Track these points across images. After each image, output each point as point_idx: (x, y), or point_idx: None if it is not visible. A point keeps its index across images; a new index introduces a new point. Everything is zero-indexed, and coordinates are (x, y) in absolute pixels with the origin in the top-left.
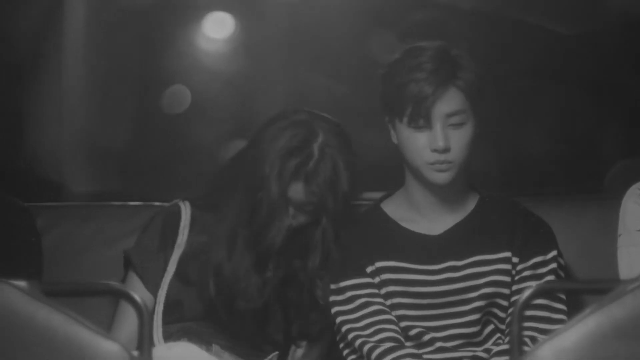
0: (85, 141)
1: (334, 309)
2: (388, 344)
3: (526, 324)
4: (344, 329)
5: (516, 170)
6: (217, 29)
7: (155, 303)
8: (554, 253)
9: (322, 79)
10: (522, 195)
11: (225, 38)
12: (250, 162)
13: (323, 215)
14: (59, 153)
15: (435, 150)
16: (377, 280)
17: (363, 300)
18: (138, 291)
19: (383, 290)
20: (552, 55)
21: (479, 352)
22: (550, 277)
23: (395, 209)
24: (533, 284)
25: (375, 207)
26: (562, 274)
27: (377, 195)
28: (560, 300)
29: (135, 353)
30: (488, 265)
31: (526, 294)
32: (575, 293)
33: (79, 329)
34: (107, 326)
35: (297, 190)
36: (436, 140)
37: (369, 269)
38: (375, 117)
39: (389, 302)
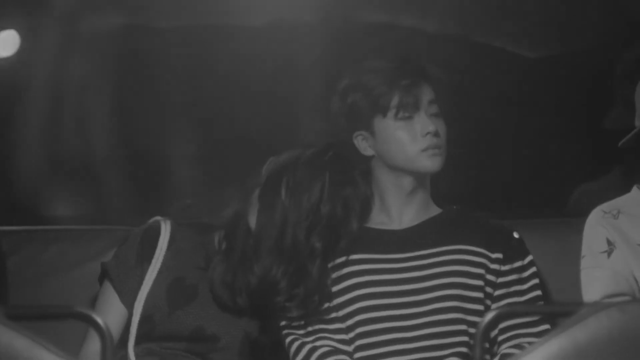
0: (49, 166)
1: None
2: (321, 351)
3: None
4: (284, 332)
5: (480, 192)
6: None
7: (129, 317)
8: (530, 257)
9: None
10: (488, 215)
11: None
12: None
13: None
14: (23, 177)
15: (427, 134)
16: (337, 275)
17: None
18: (114, 305)
19: (346, 284)
20: (517, 79)
21: (448, 356)
22: (535, 281)
23: None
24: (520, 287)
25: None
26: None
27: None
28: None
29: None
30: (456, 254)
31: (487, 317)
32: (537, 316)
33: (42, 353)
34: (71, 350)
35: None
36: (427, 125)
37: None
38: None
39: (354, 294)
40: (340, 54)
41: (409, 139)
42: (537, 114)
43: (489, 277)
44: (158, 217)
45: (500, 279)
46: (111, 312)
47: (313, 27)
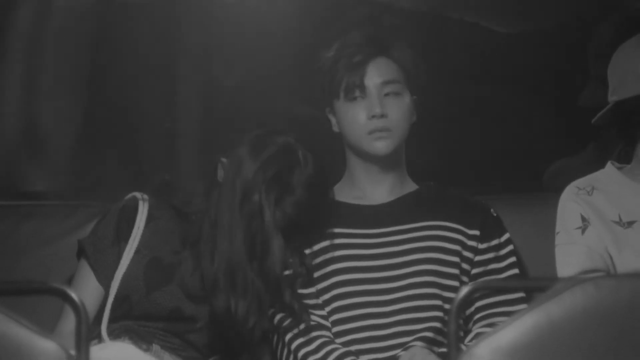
0: (25, 140)
1: None
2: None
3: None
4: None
5: (455, 168)
6: None
7: (105, 296)
8: (507, 235)
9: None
10: (465, 191)
11: None
12: (241, 189)
13: None
14: None
15: (373, 117)
16: (313, 249)
17: None
18: (90, 283)
19: (322, 258)
20: (491, 54)
21: (423, 331)
22: (512, 259)
23: (338, 192)
24: (497, 266)
25: None
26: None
27: None
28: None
29: (73, 352)
30: (432, 230)
31: (462, 293)
32: (512, 291)
33: (15, 328)
34: (45, 325)
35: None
36: (372, 107)
37: None
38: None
39: (330, 268)
40: (313, 28)
41: (356, 121)
42: (512, 90)
43: (466, 253)
44: (136, 194)
45: (478, 257)
46: (87, 290)
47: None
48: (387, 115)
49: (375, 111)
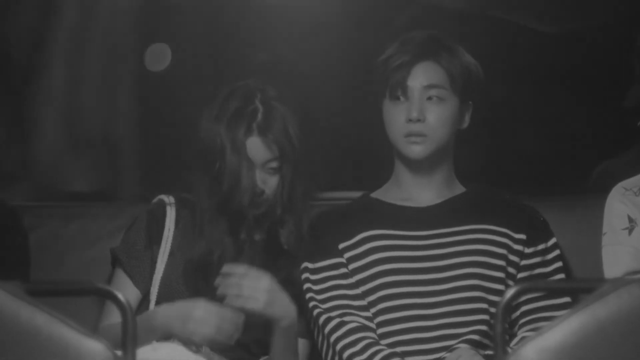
0: (71, 141)
1: (306, 286)
2: (350, 326)
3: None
4: (310, 304)
5: (501, 169)
6: None
7: (146, 301)
8: (554, 240)
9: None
10: (512, 192)
11: None
12: (203, 141)
13: (284, 164)
14: (45, 153)
15: (410, 121)
16: (358, 251)
17: (335, 282)
18: (127, 289)
19: (367, 260)
20: (538, 55)
21: (468, 334)
22: (559, 264)
23: (384, 193)
24: (543, 270)
25: (363, 195)
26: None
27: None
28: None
29: (119, 353)
30: (479, 233)
31: (509, 293)
32: (559, 293)
33: (62, 328)
34: (92, 325)
35: (255, 146)
36: (411, 110)
37: (343, 245)
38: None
39: (376, 270)
40: (359, 29)
41: (395, 122)
42: (557, 91)
43: (512, 257)
44: (162, 196)
45: (524, 262)
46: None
47: (330, 2)
48: (424, 119)
49: (412, 115)
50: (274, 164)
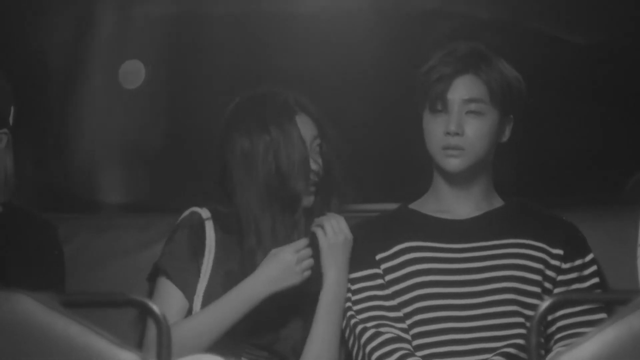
0: (103, 153)
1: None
2: (385, 337)
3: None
4: (347, 314)
5: (536, 179)
6: None
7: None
8: (591, 256)
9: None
10: (550, 204)
11: None
12: (240, 148)
13: (324, 142)
14: (79, 165)
15: (448, 134)
16: (395, 263)
17: (371, 293)
18: (178, 301)
19: (404, 271)
20: (571, 66)
21: (504, 348)
22: (595, 280)
23: (422, 205)
24: (579, 286)
25: (401, 206)
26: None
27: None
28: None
29: None
30: (516, 248)
31: (545, 304)
32: (595, 309)
33: (96, 340)
34: (125, 336)
35: (303, 123)
36: (449, 123)
37: (380, 256)
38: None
39: (413, 282)
40: (393, 41)
41: (433, 134)
42: (591, 101)
43: (549, 272)
44: (195, 209)
45: (560, 277)
46: (174, 308)
47: (365, 14)
48: (462, 133)
49: (450, 128)
50: (319, 141)
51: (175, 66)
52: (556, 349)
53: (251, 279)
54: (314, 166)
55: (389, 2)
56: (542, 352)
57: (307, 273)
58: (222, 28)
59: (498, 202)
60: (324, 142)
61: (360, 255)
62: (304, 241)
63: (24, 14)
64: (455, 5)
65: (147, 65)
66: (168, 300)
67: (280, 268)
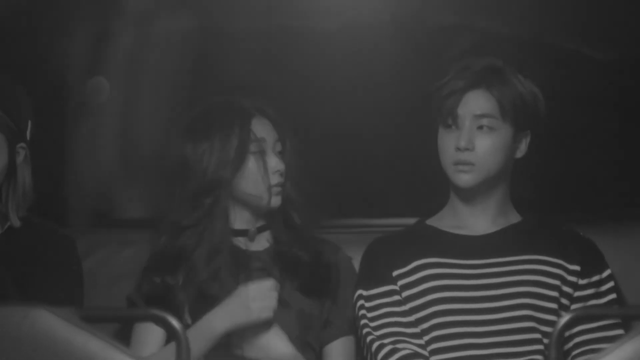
0: (124, 168)
1: (360, 312)
2: (402, 353)
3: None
4: (364, 331)
5: (561, 194)
6: None
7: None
8: (608, 271)
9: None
10: (568, 219)
11: None
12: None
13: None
14: (99, 180)
15: (458, 149)
16: (412, 279)
17: (388, 309)
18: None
19: (421, 288)
20: (593, 81)
21: None
22: (613, 296)
23: (439, 220)
24: (598, 302)
25: (418, 222)
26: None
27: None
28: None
29: None
30: (533, 264)
31: (563, 319)
32: (613, 325)
33: (116, 355)
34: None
35: (262, 125)
36: (460, 139)
37: (397, 272)
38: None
39: (430, 298)
40: (413, 57)
41: (445, 149)
42: (612, 116)
43: (566, 288)
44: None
45: (577, 293)
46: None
47: (385, 30)
48: (473, 148)
49: (460, 143)
50: (279, 147)
51: (197, 81)
52: None
53: (211, 313)
54: (278, 166)
55: (409, 17)
56: None
57: (266, 314)
58: (245, 44)
59: (515, 218)
60: (284, 148)
61: (378, 272)
62: (271, 283)
63: (43, 31)
64: (475, 21)
65: (166, 79)
66: (146, 336)
67: (236, 302)
